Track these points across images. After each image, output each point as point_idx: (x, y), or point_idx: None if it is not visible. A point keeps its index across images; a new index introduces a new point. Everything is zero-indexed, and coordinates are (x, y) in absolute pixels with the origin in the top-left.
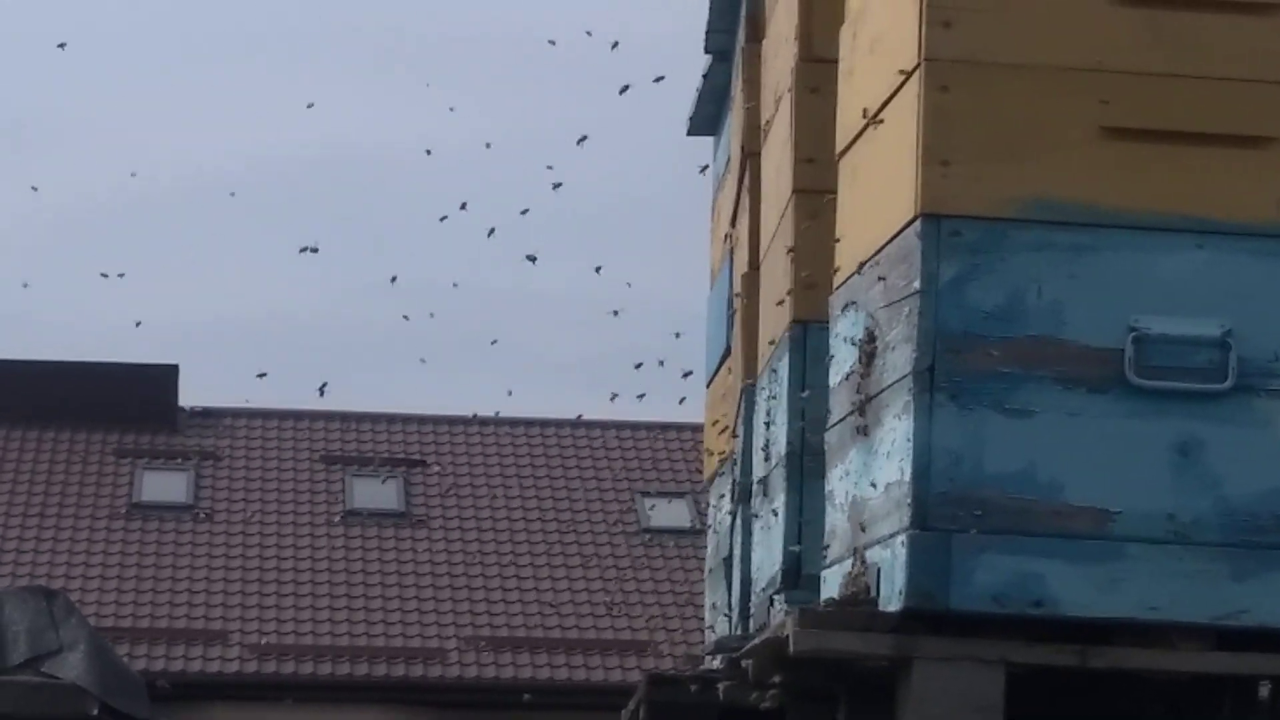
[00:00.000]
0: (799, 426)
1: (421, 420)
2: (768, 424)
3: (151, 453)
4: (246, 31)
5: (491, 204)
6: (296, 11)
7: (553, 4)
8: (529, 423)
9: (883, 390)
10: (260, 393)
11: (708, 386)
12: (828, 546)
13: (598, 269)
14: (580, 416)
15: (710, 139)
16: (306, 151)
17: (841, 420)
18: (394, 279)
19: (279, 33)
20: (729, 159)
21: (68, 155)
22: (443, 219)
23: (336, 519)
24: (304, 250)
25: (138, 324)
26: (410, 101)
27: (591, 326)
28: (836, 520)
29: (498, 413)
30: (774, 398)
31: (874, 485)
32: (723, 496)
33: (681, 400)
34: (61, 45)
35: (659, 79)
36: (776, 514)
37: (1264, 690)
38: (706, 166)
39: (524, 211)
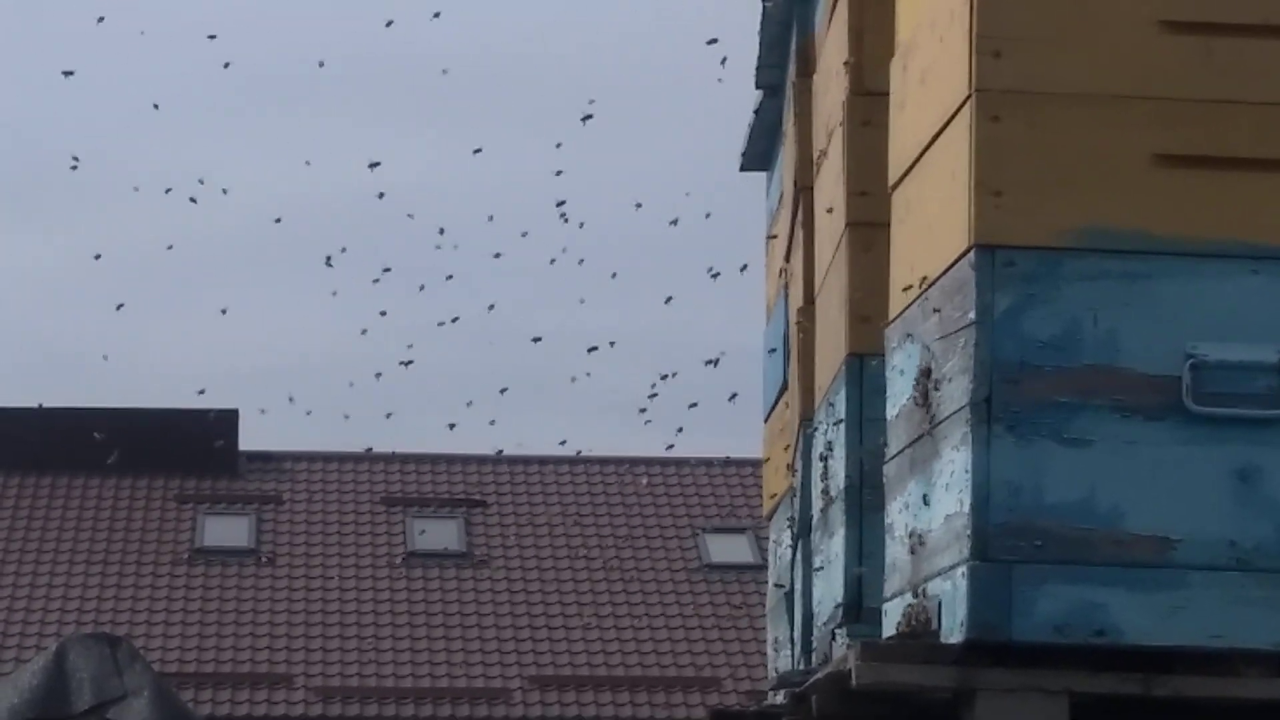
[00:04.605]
0: (857, 460)
1: (481, 460)
2: (826, 458)
3: (213, 498)
4: (296, 75)
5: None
6: (345, 55)
7: None
8: (588, 461)
9: (940, 422)
10: (319, 436)
11: (765, 421)
12: (888, 579)
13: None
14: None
15: (763, 174)
16: (358, 195)
17: (899, 453)
18: (455, 319)
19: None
20: (782, 194)
21: (112, 201)
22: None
23: (398, 560)
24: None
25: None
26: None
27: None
28: (896, 553)
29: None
30: (832, 431)
31: (933, 517)
32: (783, 531)
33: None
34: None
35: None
36: (836, 548)
37: None
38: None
39: (552, 261)
